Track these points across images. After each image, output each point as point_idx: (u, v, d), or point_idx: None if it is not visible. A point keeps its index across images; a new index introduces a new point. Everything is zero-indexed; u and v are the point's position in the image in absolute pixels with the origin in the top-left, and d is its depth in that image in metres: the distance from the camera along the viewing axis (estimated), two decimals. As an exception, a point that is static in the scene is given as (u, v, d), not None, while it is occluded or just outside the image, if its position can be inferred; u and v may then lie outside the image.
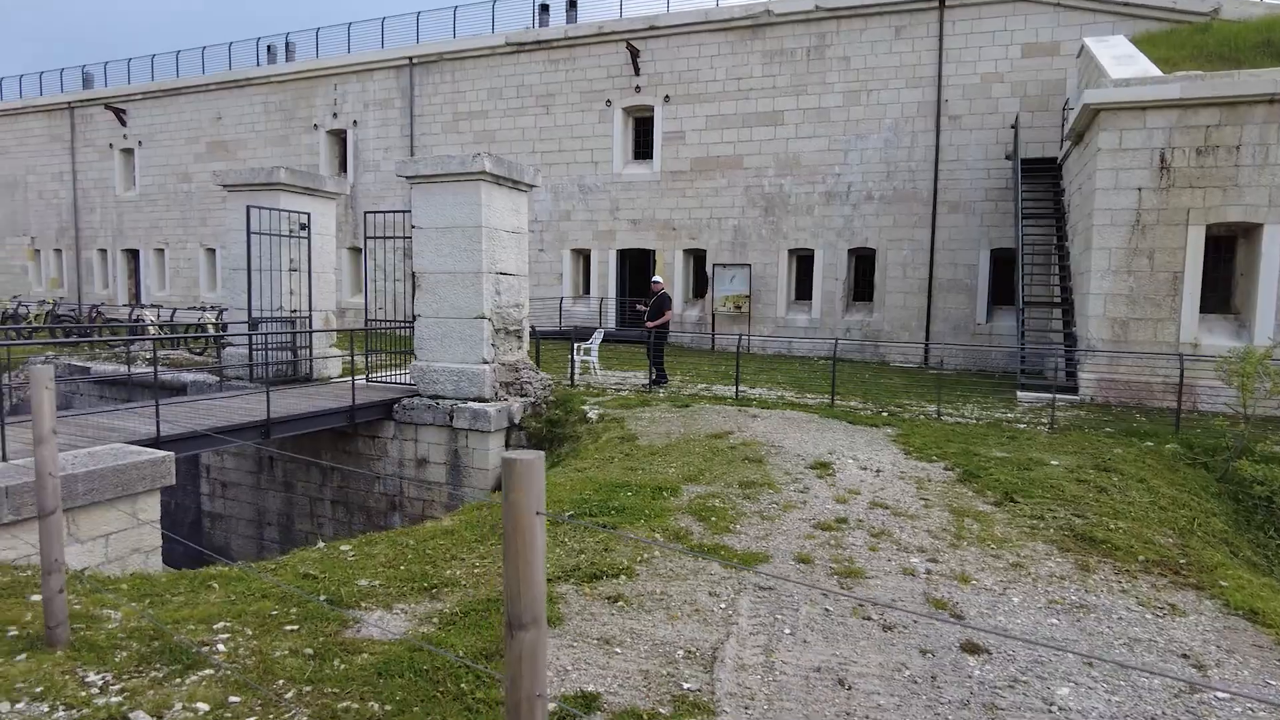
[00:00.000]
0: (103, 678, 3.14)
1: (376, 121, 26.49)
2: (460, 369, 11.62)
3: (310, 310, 13.36)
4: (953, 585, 4.86)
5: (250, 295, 12.38)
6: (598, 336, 15.21)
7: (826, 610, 4.32)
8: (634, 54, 22.15)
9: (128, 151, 32.28)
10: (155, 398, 8.38)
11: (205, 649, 3.43)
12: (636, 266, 23.81)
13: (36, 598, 3.94)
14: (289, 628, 3.73)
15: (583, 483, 6.96)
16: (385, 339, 14.13)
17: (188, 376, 14.15)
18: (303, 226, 13.13)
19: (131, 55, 39.48)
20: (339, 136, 27.55)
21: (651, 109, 22.54)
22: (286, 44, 28.89)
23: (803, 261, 21.34)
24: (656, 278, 14.01)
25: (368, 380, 12.90)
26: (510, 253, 12.03)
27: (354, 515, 12.33)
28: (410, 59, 25.64)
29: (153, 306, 18.65)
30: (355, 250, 27.13)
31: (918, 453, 8.75)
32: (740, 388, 12.68)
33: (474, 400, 11.47)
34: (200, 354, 17.00)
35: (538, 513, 1.82)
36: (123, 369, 15.09)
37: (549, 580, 4.59)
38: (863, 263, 21.00)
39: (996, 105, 18.94)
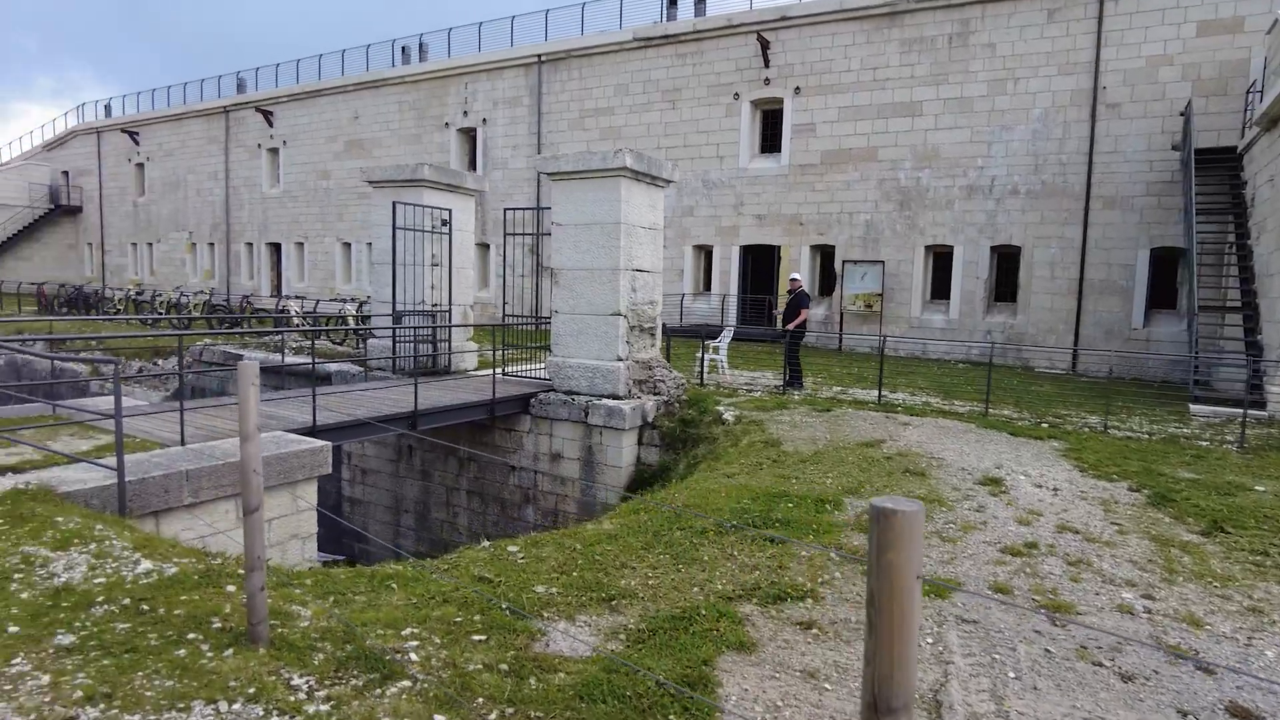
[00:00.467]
0: (306, 682, 3.09)
1: (505, 119, 27.00)
2: (595, 365, 11.55)
3: (450, 304, 13.63)
4: (1183, 629, 4.29)
5: (395, 289, 12.72)
6: (727, 335, 14.89)
7: (1047, 651, 3.87)
8: (764, 46, 21.64)
9: (273, 151, 34.24)
10: (312, 388, 8.64)
11: (398, 656, 3.35)
12: (760, 263, 23.31)
13: (232, 588, 3.97)
14: (476, 637, 3.61)
15: (737, 490, 6.67)
16: (517, 334, 14.29)
17: (331, 366, 14.73)
18: (444, 222, 13.39)
19: (280, 60, 41.80)
20: (469, 134, 28.26)
21: (781, 101, 21.97)
22: (420, 44, 29.87)
23: (940, 259, 20.30)
24: (795, 275, 13.53)
25: (503, 374, 13.05)
26: (646, 249, 11.87)
27: (488, 506, 12.49)
28: (539, 57, 25.98)
29: (296, 298, 19.66)
30: (482, 246, 27.79)
31: (1094, 470, 8.01)
32: (880, 392, 12.08)
33: (608, 397, 11.38)
34: (339, 344, 17.72)
35: (918, 577, 1.52)
36: (272, 356, 15.89)
37: (727, 598, 4.33)
38: (1005, 261, 19.79)
39: (1163, 91, 17.38)
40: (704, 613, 4.01)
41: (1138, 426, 10.81)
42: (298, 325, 18.48)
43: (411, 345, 13.15)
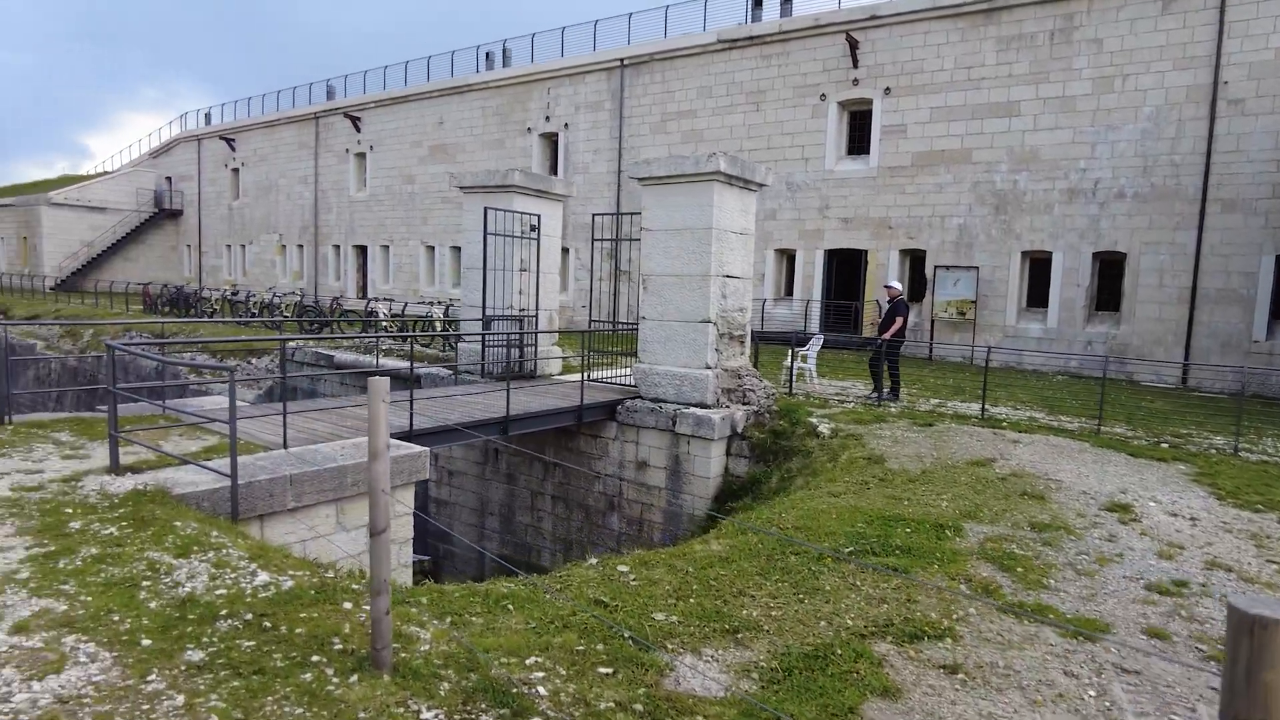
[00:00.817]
0: (435, 715, 2.96)
1: (587, 124, 27.08)
2: (683, 373, 11.35)
3: (537, 309, 13.64)
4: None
5: (485, 293, 12.78)
6: (816, 343, 14.49)
7: (1229, 714, 3.49)
8: (852, 46, 21.09)
9: (360, 156, 35.20)
10: (409, 392, 8.68)
11: (526, 690, 3.19)
12: (845, 268, 22.73)
13: (349, 605, 3.90)
14: (603, 670, 3.44)
15: (849, 513, 6.35)
16: (600, 339, 14.20)
17: (421, 368, 14.92)
18: (532, 228, 13.40)
19: (368, 67, 43.02)
20: (550, 139, 28.45)
21: (869, 102, 21.37)
22: (504, 50, 30.24)
23: (1037, 265, 19.39)
24: (893, 282, 13.05)
25: (589, 380, 12.98)
26: (737, 255, 11.61)
27: (573, 512, 12.42)
28: (621, 60, 25.96)
29: (385, 300, 20.07)
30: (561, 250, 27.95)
31: (1233, 499, 7.38)
32: (983, 406, 11.52)
33: (696, 406, 11.15)
34: (425, 346, 17.97)
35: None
36: (363, 358, 16.21)
37: (860, 635, 4.06)
38: (1108, 268, 18.76)
39: (1293, 86, 16.19)
40: (838, 651, 3.75)
41: (1272, 449, 10.00)
42: (386, 328, 18.85)
43: (499, 349, 13.19)
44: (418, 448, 7.76)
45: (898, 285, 12.86)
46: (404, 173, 33.04)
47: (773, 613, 4.26)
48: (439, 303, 19.03)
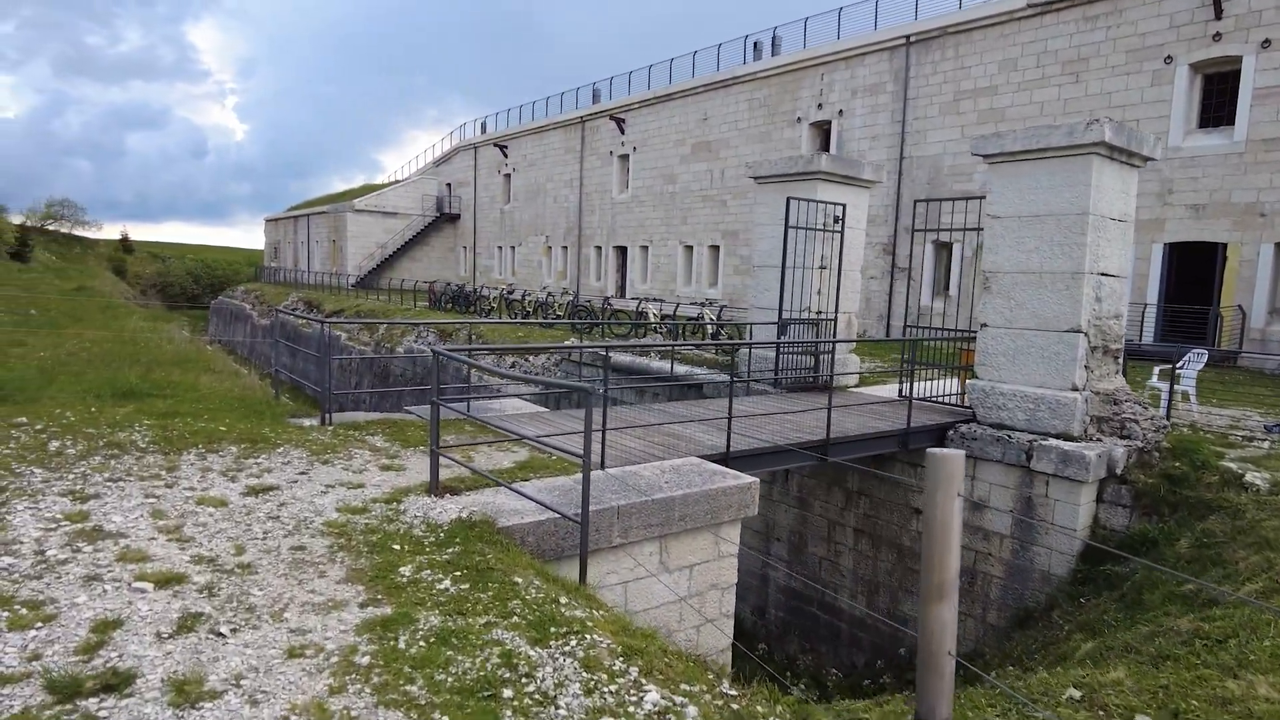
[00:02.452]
0: None
1: (864, 109, 24.93)
2: (1038, 395, 9.18)
3: (836, 312, 12.04)
4: None
5: (782, 294, 11.41)
6: (1196, 360, 11.50)
7: None
8: (1218, -9, 17.15)
9: (623, 157, 35.55)
10: (729, 410, 7.44)
11: None
12: (1190, 265, 18.69)
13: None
14: None
15: None
16: (891, 347, 12.25)
17: (700, 372, 13.89)
18: (836, 219, 11.81)
19: (633, 67, 43.68)
20: (821, 128, 26.63)
21: (1236, 60, 17.29)
22: (773, 38, 28.84)
23: None
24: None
25: (901, 396, 11.16)
26: (1115, 248, 9.21)
27: (880, 550, 10.67)
28: (907, 38, 23.52)
29: (655, 300, 19.49)
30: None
31: None
32: None
33: (1057, 436, 8.94)
34: (697, 348, 16.99)
35: None
36: (637, 360, 15.53)
37: None
38: None
39: None
40: None
41: None
42: (656, 329, 18.18)
43: (793, 357, 11.75)
44: (746, 478, 6.48)
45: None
46: (665, 172, 32.79)
47: None
48: (710, 303, 18.06)
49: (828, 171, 11.59)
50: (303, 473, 5.85)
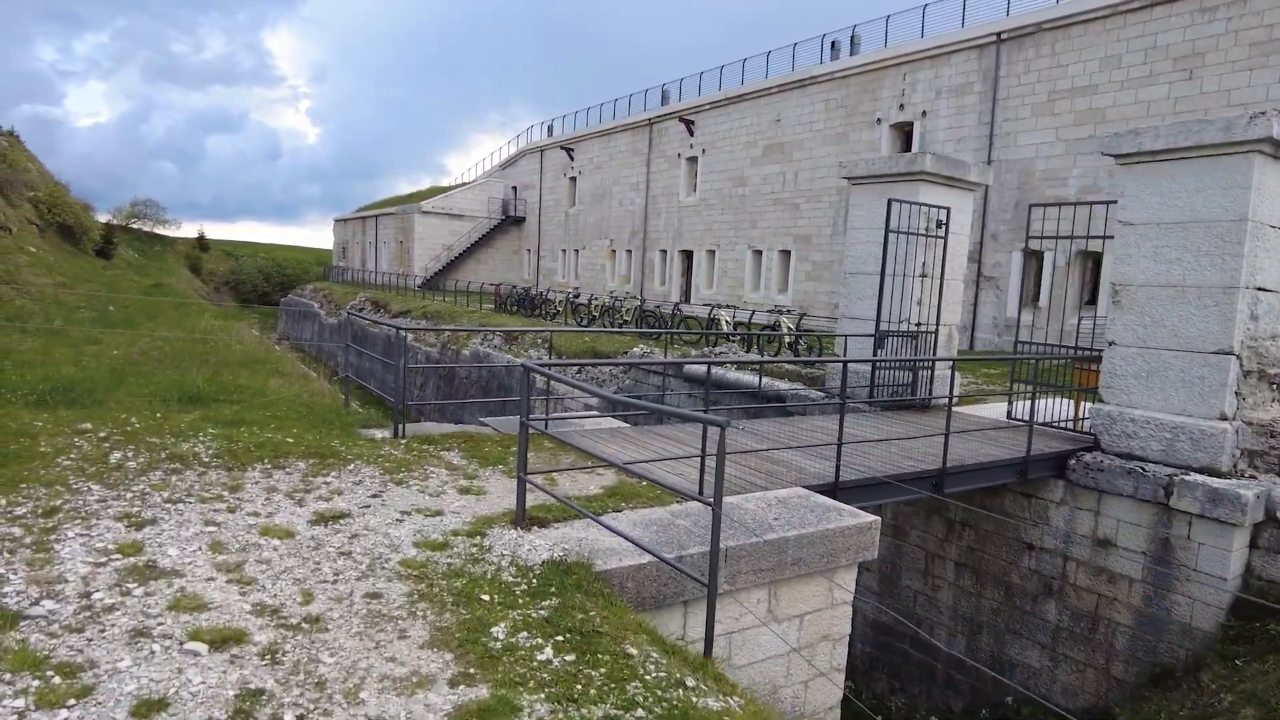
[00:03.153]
0: None
1: (949, 110, 23.75)
2: (1177, 423, 8.16)
3: (937, 324, 11.13)
4: None
5: (881, 305, 10.56)
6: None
7: None
8: (1359, -20, 15.62)
9: (692, 160, 34.85)
10: (839, 433, 6.66)
11: None
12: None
13: None
14: None
15: None
16: (1023, 366, 11.26)
17: (781, 385, 13.10)
18: (939, 224, 10.91)
19: (703, 68, 43.00)
20: (902, 130, 25.51)
21: (1380, 56, 15.73)
22: (852, 37, 27.81)
23: None
24: None
25: (1010, 418, 10.20)
26: (1274, 259, 8.13)
27: (985, 586, 9.73)
28: (997, 35, 22.29)
29: (728, 307, 18.73)
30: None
31: None
32: None
33: (1200, 471, 7.92)
34: (774, 357, 16.17)
35: None
36: (715, 372, 14.79)
37: None
38: None
39: None
40: None
41: None
42: (729, 337, 17.42)
43: (889, 373, 10.89)
44: (866, 516, 5.72)
45: None
46: (734, 175, 31.98)
47: None
48: (788, 311, 17.19)
49: (931, 172, 10.70)
50: (376, 495, 5.31)
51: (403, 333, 7.23)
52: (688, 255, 35.34)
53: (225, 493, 5.00)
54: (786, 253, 29.44)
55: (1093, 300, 20.57)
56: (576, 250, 43.88)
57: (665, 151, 36.43)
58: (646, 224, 37.60)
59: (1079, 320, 14.69)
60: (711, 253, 33.42)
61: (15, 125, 43.70)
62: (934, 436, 7.96)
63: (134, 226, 52.26)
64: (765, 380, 13.27)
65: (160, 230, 55.20)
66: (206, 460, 5.65)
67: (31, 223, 28.20)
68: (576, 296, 26.59)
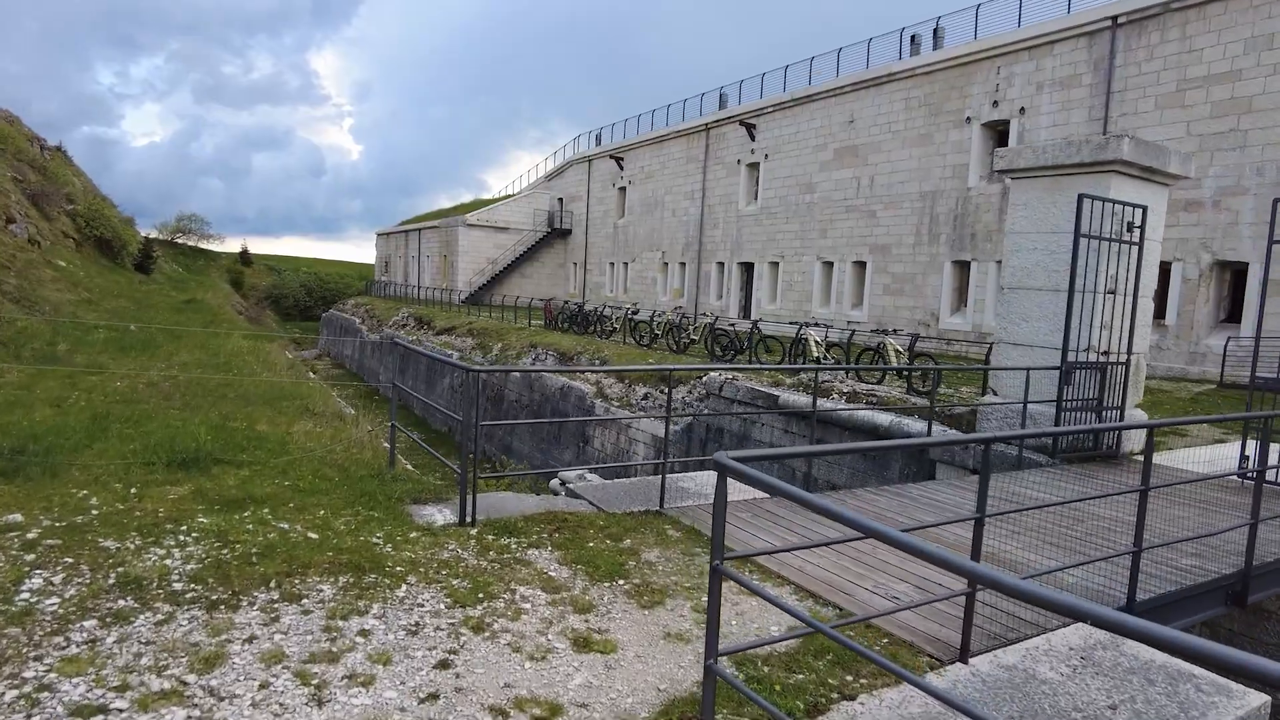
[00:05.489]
0: None
1: (1052, 105, 21.25)
2: None
3: (1129, 352, 8.77)
4: None
5: (1068, 326, 8.24)
6: None
7: None
8: None
9: (753, 166, 32.67)
10: (1135, 535, 4.37)
11: None
12: None
13: None
14: None
15: None
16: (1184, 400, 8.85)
17: (909, 423, 10.79)
18: (1132, 226, 8.58)
19: (765, 69, 40.83)
20: (995, 129, 23.05)
21: None
22: (935, 30, 25.46)
23: None
24: None
25: (1243, 472, 7.80)
26: None
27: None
28: (1113, 19, 19.79)
29: (816, 325, 16.48)
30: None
31: None
32: None
33: None
34: (876, 383, 13.84)
35: None
36: (803, 398, 12.53)
37: None
38: None
39: None
40: None
41: None
42: (819, 360, 15.13)
43: (1071, 415, 8.54)
44: (1254, 696, 3.44)
45: None
46: (801, 181, 29.71)
47: None
48: (894, 330, 14.87)
49: (1129, 162, 8.37)
50: (444, 664, 3.19)
51: (473, 371, 5.12)
52: (747, 267, 33.09)
53: (190, 675, 2.91)
54: (861, 264, 27.06)
55: (1232, 318, 17.94)
56: (626, 263, 41.88)
57: (723, 158, 34.29)
58: (702, 234, 35.44)
59: (1226, 341, 12.21)
60: (775, 264, 31.14)
61: (75, 146, 43.23)
62: (1214, 512, 5.62)
63: (179, 241, 51.71)
64: (889, 418, 10.98)
65: (204, 245, 54.62)
66: (177, 589, 3.59)
67: (69, 236, 27.07)
68: (635, 313, 24.51)
